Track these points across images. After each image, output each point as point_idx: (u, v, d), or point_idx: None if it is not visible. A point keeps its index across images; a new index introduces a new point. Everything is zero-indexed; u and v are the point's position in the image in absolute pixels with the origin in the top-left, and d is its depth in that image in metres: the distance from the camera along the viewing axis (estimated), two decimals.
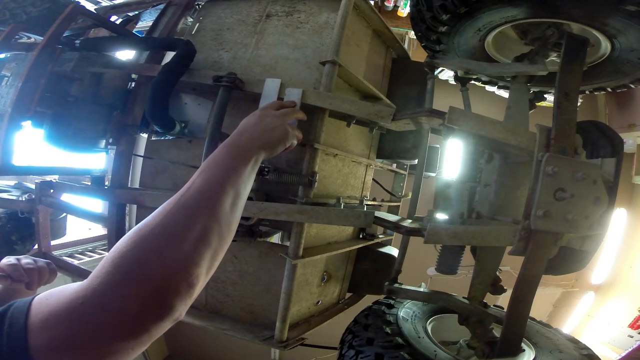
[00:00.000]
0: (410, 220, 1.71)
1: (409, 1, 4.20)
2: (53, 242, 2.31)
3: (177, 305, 0.52)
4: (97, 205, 3.13)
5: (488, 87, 2.34)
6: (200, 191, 0.63)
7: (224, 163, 0.72)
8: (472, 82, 2.00)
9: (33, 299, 0.53)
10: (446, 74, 2.08)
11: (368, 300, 2.11)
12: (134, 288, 0.50)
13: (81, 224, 4.03)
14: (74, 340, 0.48)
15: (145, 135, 2.00)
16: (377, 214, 1.76)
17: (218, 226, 0.61)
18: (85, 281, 0.51)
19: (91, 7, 3.03)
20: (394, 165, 2.82)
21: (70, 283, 0.55)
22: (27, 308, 0.51)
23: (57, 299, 0.51)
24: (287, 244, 1.70)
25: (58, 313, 0.49)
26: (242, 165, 0.74)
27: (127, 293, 0.49)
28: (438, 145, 2.81)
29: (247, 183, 0.75)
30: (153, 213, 0.59)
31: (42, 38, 1.82)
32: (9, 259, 0.91)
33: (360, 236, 2.31)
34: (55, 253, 2.41)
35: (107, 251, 2.05)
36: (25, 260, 0.94)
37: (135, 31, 2.70)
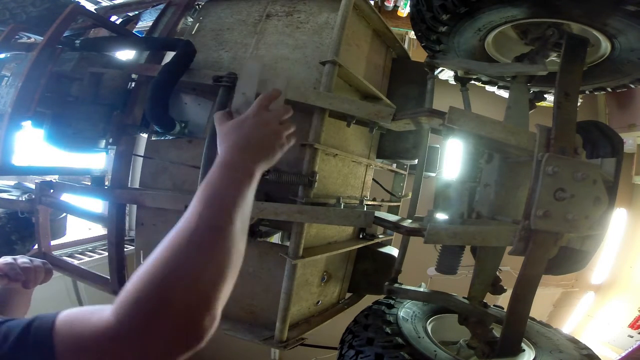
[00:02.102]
0: (410, 220, 1.71)
1: (409, 1, 4.20)
2: (53, 242, 2.31)
3: (204, 337, 0.56)
4: (97, 205, 3.13)
5: (488, 87, 2.34)
6: (210, 226, 0.62)
7: (227, 189, 0.68)
8: (472, 82, 2.00)
9: (55, 318, 0.55)
10: (446, 74, 2.08)
11: (368, 300, 2.10)
12: (161, 327, 0.52)
13: (81, 224, 4.03)
14: None
15: (145, 135, 2.00)
16: (377, 214, 1.76)
17: (231, 258, 0.63)
18: (111, 315, 0.53)
19: (91, 7, 3.02)
20: (394, 165, 2.81)
21: (92, 307, 0.57)
22: (51, 330, 0.53)
23: (83, 328, 0.53)
24: (287, 244, 1.70)
25: (86, 346, 0.52)
26: (245, 187, 0.70)
27: (155, 332, 0.52)
28: (438, 145, 2.81)
29: (250, 200, 0.72)
30: (165, 248, 0.58)
31: (42, 38, 1.82)
32: (6, 259, 0.92)
33: (360, 236, 2.30)
34: (55, 253, 2.41)
35: (107, 251, 2.06)
36: (22, 259, 0.94)
37: (135, 31, 2.70)
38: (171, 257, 0.57)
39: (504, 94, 2.27)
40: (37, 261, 0.97)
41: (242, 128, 0.78)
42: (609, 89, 1.90)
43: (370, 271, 2.31)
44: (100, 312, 0.55)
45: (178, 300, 0.54)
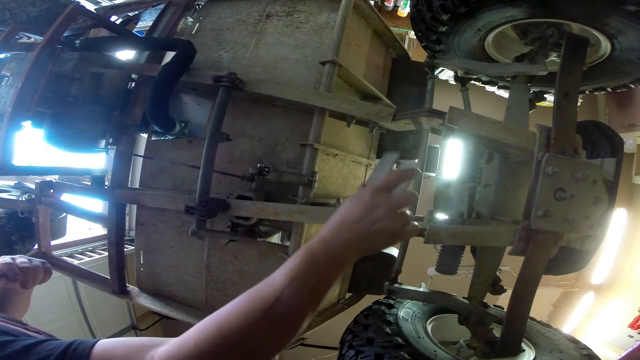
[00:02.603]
0: None
1: (409, 1, 4.20)
2: (53, 242, 2.31)
3: None
4: (97, 205, 3.13)
5: (488, 87, 2.34)
6: (289, 308, 0.59)
7: (317, 275, 0.62)
8: (472, 82, 2.00)
9: (92, 348, 0.54)
10: (446, 74, 2.08)
11: (368, 300, 2.10)
12: None
13: (81, 224, 4.03)
14: None
15: (145, 135, 2.00)
16: None
17: (288, 339, 0.62)
18: None
19: (91, 7, 3.02)
20: (394, 166, 2.81)
21: (135, 341, 0.57)
22: (87, 356, 0.53)
23: None
24: (287, 244, 1.70)
25: None
26: (335, 277, 0.65)
27: None
28: (438, 145, 2.80)
29: (332, 286, 0.67)
30: (236, 311, 0.58)
31: (42, 38, 1.82)
32: (5, 259, 0.91)
33: None
34: (55, 253, 2.41)
35: (107, 251, 2.06)
36: (21, 259, 0.94)
37: (135, 31, 2.70)
38: (240, 322, 0.56)
39: (504, 94, 2.27)
40: (36, 261, 0.97)
41: (357, 204, 0.68)
42: (609, 89, 1.90)
43: (370, 271, 2.30)
44: (144, 351, 0.53)
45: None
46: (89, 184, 2.25)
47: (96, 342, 0.55)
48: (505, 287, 1.67)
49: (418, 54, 2.63)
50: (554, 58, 1.67)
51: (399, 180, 0.72)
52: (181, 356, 0.52)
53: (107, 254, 2.09)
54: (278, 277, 0.61)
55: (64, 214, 2.49)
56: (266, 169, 1.64)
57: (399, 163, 0.81)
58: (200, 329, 0.55)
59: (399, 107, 1.79)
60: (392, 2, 4.84)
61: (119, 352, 0.54)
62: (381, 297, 1.96)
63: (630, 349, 3.69)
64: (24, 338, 0.58)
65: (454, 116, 1.37)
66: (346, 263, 0.66)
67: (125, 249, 2.05)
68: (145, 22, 2.79)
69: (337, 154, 1.91)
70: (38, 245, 2.20)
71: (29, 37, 2.19)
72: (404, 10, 4.82)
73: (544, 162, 1.21)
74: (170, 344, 0.54)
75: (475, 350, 1.58)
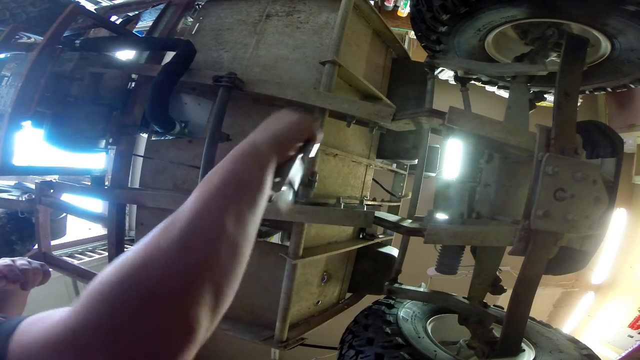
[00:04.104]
0: (410, 220, 1.71)
1: (409, 1, 4.20)
2: (53, 242, 2.31)
3: (192, 340, 0.42)
4: (97, 205, 3.13)
5: (488, 87, 2.34)
6: (223, 204, 0.50)
7: (241, 166, 0.58)
8: (472, 82, 2.00)
9: (22, 320, 0.47)
10: (446, 74, 2.08)
11: (368, 300, 2.10)
12: (135, 323, 0.39)
13: (81, 224, 4.03)
14: None
15: (145, 135, 2.00)
16: (377, 214, 1.76)
17: (239, 249, 0.51)
18: (72, 310, 0.41)
19: (91, 7, 3.02)
20: (394, 165, 2.81)
21: (57, 309, 0.47)
22: (8, 337, 0.45)
23: (39, 327, 0.44)
24: (287, 244, 1.70)
25: (36, 343, 0.42)
26: (263, 171, 0.61)
27: (124, 330, 0.39)
28: (438, 145, 2.81)
29: (264, 187, 0.60)
30: (159, 227, 0.46)
31: (42, 38, 1.82)
32: (5, 260, 0.92)
33: (360, 236, 2.30)
34: (55, 253, 2.41)
35: (107, 251, 2.06)
36: (20, 261, 0.94)
37: (135, 31, 2.70)
38: (162, 237, 0.44)
39: (504, 94, 2.27)
40: (36, 263, 0.97)
41: (276, 117, 0.73)
42: (609, 89, 1.90)
43: (370, 271, 2.31)
44: (61, 309, 0.43)
45: (163, 288, 0.40)
46: (89, 184, 2.25)
47: (25, 317, 0.48)
48: (505, 287, 1.67)
49: (418, 54, 2.63)
50: (554, 58, 1.67)
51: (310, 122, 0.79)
52: (90, 294, 0.41)
53: (107, 254, 2.09)
54: (200, 185, 0.51)
55: (64, 214, 2.50)
56: None
57: None
58: (104, 272, 0.43)
59: (399, 107, 1.79)
60: (392, 2, 4.84)
61: (38, 317, 0.46)
62: (381, 297, 1.96)
63: (630, 349, 3.69)
64: None
65: (454, 116, 1.37)
66: (266, 155, 0.63)
67: (125, 249, 2.05)
68: (145, 22, 2.79)
69: (337, 154, 1.91)
70: (38, 245, 2.19)
71: (29, 37, 2.20)
72: (404, 10, 4.82)
73: (544, 162, 1.21)
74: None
75: (475, 350, 1.58)
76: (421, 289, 1.75)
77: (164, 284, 0.41)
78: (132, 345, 0.38)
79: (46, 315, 0.46)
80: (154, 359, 0.39)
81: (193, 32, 2.14)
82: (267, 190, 0.62)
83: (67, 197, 2.18)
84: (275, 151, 0.66)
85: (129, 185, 2.03)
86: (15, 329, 0.46)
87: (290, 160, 0.72)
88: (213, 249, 0.47)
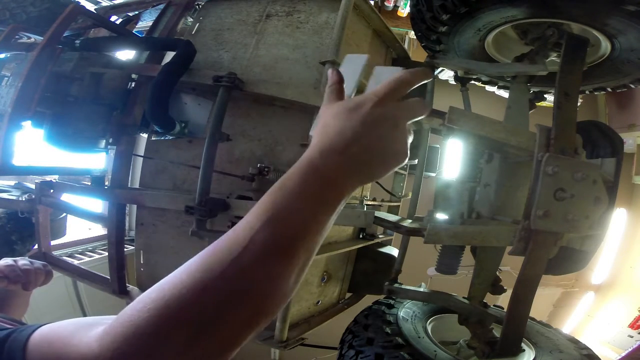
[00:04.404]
0: (410, 220, 1.71)
1: (409, 1, 4.20)
2: (53, 242, 2.31)
3: None
4: (97, 205, 3.12)
5: (488, 87, 2.34)
6: (266, 250, 0.42)
7: (304, 204, 0.44)
8: (472, 82, 2.00)
9: (34, 331, 0.45)
10: (446, 74, 2.08)
11: (368, 300, 2.10)
12: None
13: (81, 224, 4.03)
14: None
15: (145, 135, 2.00)
16: (377, 214, 1.75)
17: (276, 300, 0.44)
18: (95, 341, 0.40)
19: (91, 7, 3.02)
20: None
21: (78, 322, 0.46)
22: (23, 350, 0.43)
23: (60, 351, 0.41)
24: None
25: None
26: (330, 212, 0.46)
27: None
28: (438, 145, 2.81)
29: (328, 229, 0.48)
30: (192, 266, 0.41)
31: (42, 38, 1.82)
32: (6, 260, 0.92)
33: (360, 236, 2.30)
34: (55, 253, 2.41)
35: (107, 251, 2.05)
36: (22, 261, 0.94)
37: (135, 31, 2.70)
38: (196, 282, 0.40)
39: (504, 94, 2.27)
40: (38, 263, 0.97)
41: (355, 118, 0.48)
42: (609, 89, 1.90)
43: (370, 271, 2.31)
44: (84, 331, 0.42)
45: (181, 350, 0.38)
46: (89, 184, 2.25)
47: (37, 327, 0.45)
48: (505, 287, 1.67)
49: (418, 54, 2.63)
50: (554, 58, 1.67)
51: (412, 83, 0.51)
52: (115, 329, 0.39)
53: (107, 254, 2.09)
54: (249, 218, 0.43)
55: (64, 214, 2.50)
56: (266, 169, 1.64)
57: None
58: (143, 299, 0.40)
59: None
60: (392, 2, 4.84)
61: (59, 335, 0.43)
62: (381, 297, 1.96)
63: (630, 349, 3.69)
64: None
65: (454, 116, 1.37)
66: (345, 191, 0.47)
67: (125, 249, 2.05)
68: (145, 22, 2.78)
69: None
70: (38, 245, 2.20)
71: (29, 37, 2.20)
72: (404, 10, 4.82)
73: (544, 162, 1.21)
74: (113, 319, 0.41)
75: (475, 350, 1.58)
76: (421, 289, 1.75)
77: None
78: None
79: (64, 333, 0.43)
80: None
81: (193, 32, 2.14)
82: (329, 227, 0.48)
83: (67, 197, 2.18)
84: (355, 173, 0.47)
85: (129, 185, 2.03)
86: (28, 340, 0.43)
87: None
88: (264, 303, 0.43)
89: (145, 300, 0.39)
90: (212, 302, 0.39)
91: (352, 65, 0.64)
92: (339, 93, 0.54)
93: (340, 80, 0.55)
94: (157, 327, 0.38)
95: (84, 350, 0.39)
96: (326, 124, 0.49)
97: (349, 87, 0.57)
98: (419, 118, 0.52)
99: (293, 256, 0.43)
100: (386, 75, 0.54)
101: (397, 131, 0.49)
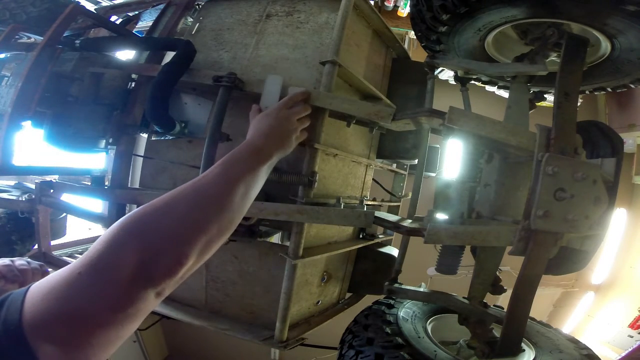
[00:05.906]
0: (410, 220, 1.71)
1: (409, 1, 4.20)
2: (53, 242, 2.31)
3: (162, 277, 0.56)
4: (97, 205, 3.12)
5: (488, 87, 2.34)
6: (214, 182, 0.70)
7: (243, 161, 0.79)
8: (472, 82, 2.00)
9: (31, 285, 0.54)
10: (446, 74, 2.08)
11: (368, 300, 2.10)
12: (127, 256, 0.53)
13: (81, 224, 4.02)
14: (63, 311, 0.49)
15: (145, 135, 2.00)
16: (377, 214, 1.75)
17: (220, 217, 0.67)
18: (83, 255, 0.55)
19: (91, 7, 3.03)
20: (394, 165, 2.81)
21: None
22: (25, 293, 0.52)
23: (53, 276, 0.54)
24: (287, 244, 1.70)
25: (52, 287, 0.52)
26: (259, 166, 0.82)
27: (120, 260, 0.53)
28: (438, 145, 2.81)
29: (259, 183, 0.82)
30: (164, 195, 0.65)
31: (42, 38, 1.82)
32: (4, 260, 0.92)
33: (360, 236, 2.30)
34: (55, 253, 2.41)
35: None
36: (19, 261, 0.95)
37: (135, 31, 2.70)
38: (163, 197, 0.63)
39: (504, 94, 2.27)
40: (35, 263, 0.98)
41: (267, 119, 1.00)
42: (609, 89, 1.90)
43: (370, 271, 2.31)
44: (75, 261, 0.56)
45: (150, 233, 0.57)
46: (89, 184, 2.25)
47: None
48: (505, 287, 1.67)
49: (418, 54, 2.63)
50: (554, 58, 1.67)
51: (292, 102, 1.11)
52: (106, 235, 0.57)
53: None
54: (210, 168, 0.73)
55: (64, 214, 2.50)
56: None
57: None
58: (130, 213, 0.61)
59: (399, 107, 1.79)
60: (392, 2, 4.84)
61: (51, 275, 0.56)
62: (381, 297, 1.96)
63: (630, 349, 3.69)
64: None
65: (454, 116, 1.37)
66: (269, 156, 0.88)
67: None
68: (145, 22, 2.79)
69: (337, 154, 1.91)
70: (38, 246, 2.19)
71: (29, 37, 2.20)
72: (404, 10, 4.82)
73: (544, 162, 1.21)
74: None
75: (475, 350, 1.58)
76: (421, 289, 1.75)
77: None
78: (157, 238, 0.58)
79: (54, 273, 0.56)
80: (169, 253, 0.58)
81: (193, 32, 2.14)
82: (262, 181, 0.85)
83: (67, 197, 2.18)
84: (275, 147, 0.93)
85: (129, 185, 2.03)
86: (28, 290, 0.53)
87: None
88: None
89: (123, 219, 0.61)
90: (181, 207, 0.63)
91: (274, 84, 1.26)
92: (260, 110, 1.12)
93: (259, 109, 1.13)
94: (134, 225, 0.60)
95: (71, 264, 0.54)
96: (256, 122, 1.02)
97: (273, 99, 1.23)
98: (307, 113, 1.15)
99: (235, 185, 0.72)
100: (292, 92, 1.20)
101: (289, 124, 1.04)
